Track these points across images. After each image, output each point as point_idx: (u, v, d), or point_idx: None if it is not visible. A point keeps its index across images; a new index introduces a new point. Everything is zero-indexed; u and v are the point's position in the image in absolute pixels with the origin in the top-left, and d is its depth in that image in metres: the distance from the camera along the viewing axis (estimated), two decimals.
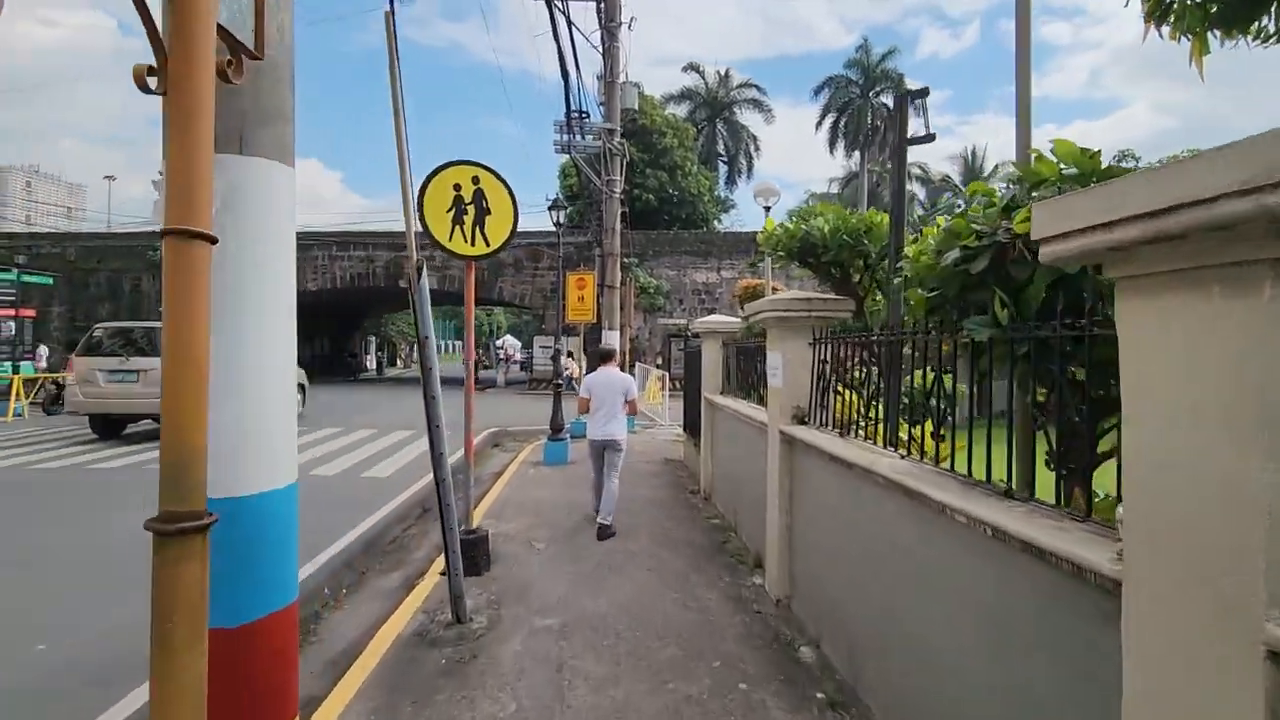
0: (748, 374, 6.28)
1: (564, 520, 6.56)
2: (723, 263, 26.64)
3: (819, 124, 42.08)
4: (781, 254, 4.94)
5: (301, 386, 16.22)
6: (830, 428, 3.87)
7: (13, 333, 17.23)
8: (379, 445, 11.41)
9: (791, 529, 4.24)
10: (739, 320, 7.35)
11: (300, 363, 22.80)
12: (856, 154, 42.91)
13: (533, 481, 8.57)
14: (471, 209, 5.21)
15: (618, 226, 13.86)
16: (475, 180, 5.20)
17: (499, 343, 52.97)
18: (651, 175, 31.82)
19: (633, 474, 8.92)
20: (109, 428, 11.43)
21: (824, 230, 4.00)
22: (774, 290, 8.69)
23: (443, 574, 5.02)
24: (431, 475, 4.12)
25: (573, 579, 4.96)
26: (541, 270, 27.08)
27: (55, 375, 15.77)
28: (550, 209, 9.90)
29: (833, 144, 41.68)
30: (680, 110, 39.34)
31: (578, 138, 13.49)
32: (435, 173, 5.08)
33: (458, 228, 5.18)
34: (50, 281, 25.50)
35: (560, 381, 18.33)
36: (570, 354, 38.98)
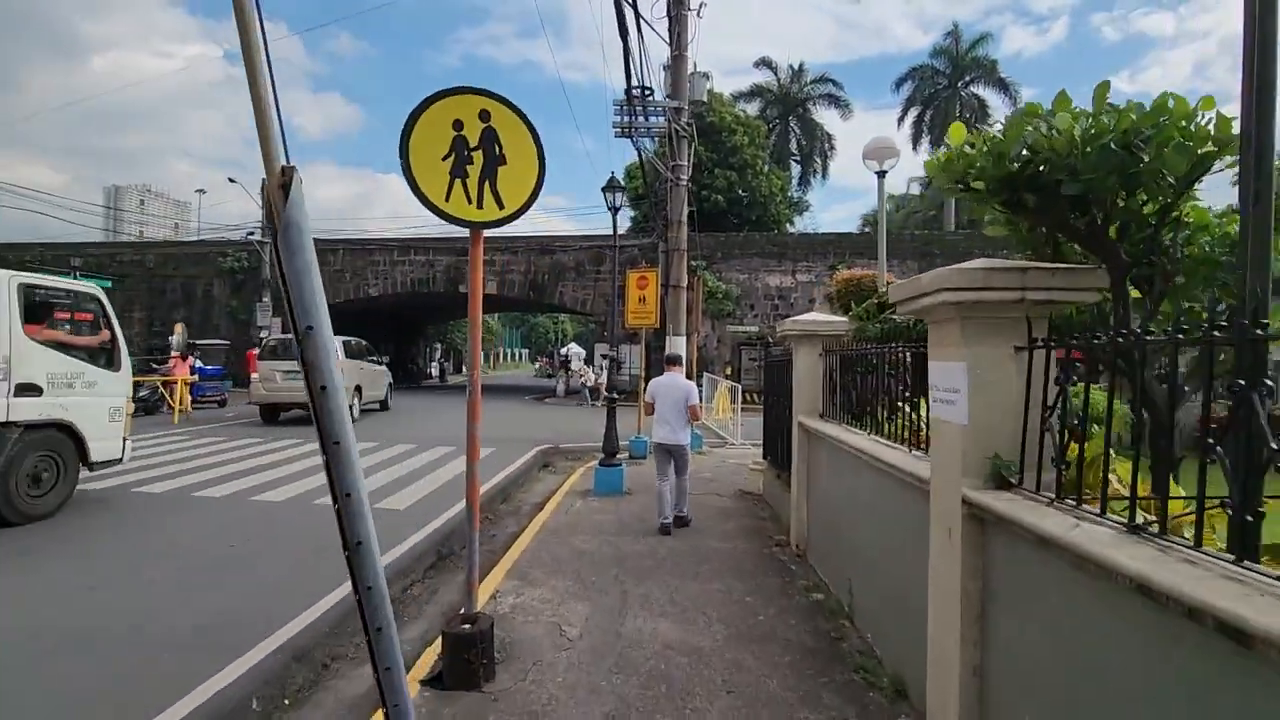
0: (870, 392, 4.48)
1: (611, 585, 4.91)
2: (798, 265, 24.58)
3: (900, 119, 39.28)
4: (969, 186, 2.58)
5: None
6: (1072, 502, 2.08)
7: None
8: (410, 465, 10.09)
9: (990, 684, 2.44)
10: (843, 320, 5.53)
11: None
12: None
13: (578, 520, 6.96)
14: (478, 157, 3.66)
15: (685, 218, 12.21)
16: (484, 116, 3.65)
17: (564, 350, 52.35)
18: (720, 175, 30.01)
19: (699, 512, 7.20)
20: (273, 414, 15.20)
21: (1071, 133, 2.01)
22: (889, 282, 6.80)
23: (424, 683, 3.46)
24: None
25: (616, 702, 3.29)
26: (604, 274, 25.73)
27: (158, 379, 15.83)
28: (605, 190, 8.36)
29: (916, 140, 38.76)
30: (751, 108, 37.44)
31: (640, 119, 11.96)
32: (424, 105, 3.55)
33: (458, 182, 3.63)
34: (108, 284, 25.94)
35: (581, 389, 16.64)
36: (590, 360, 37.70)
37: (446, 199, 3.61)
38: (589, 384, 28.15)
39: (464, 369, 55.48)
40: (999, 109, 40.62)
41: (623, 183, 33.85)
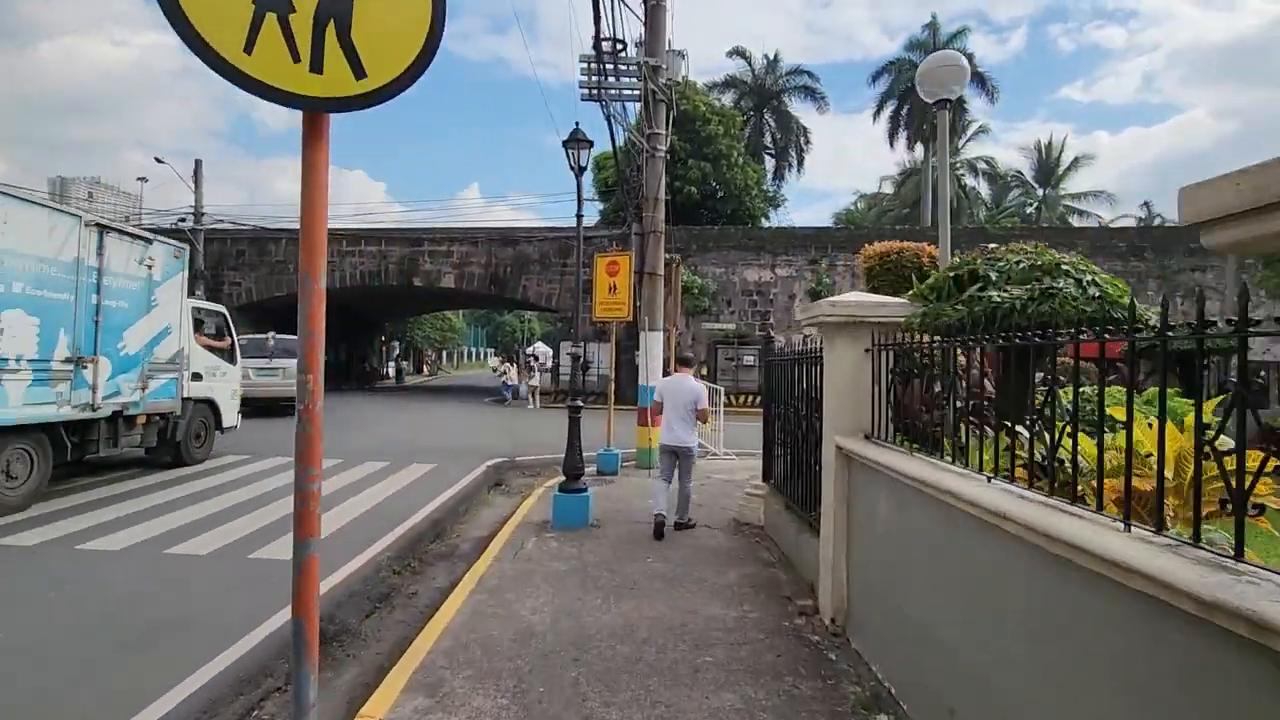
0: (975, 404, 2.88)
1: (568, 706, 3.20)
2: (778, 260, 23.15)
3: (876, 114, 38.33)
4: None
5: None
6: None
7: None
8: (329, 488, 8.22)
9: None
10: (901, 303, 3.94)
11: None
12: (919, 148, 38.92)
13: (528, 570, 5.25)
14: None
15: (662, 195, 10.56)
16: None
17: (529, 350, 50.19)
18: (694, 166, 28.45)
19: (684, 551, 5.57)
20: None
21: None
22: (930, 256, 5.22)
23: None
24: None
25: None
26: (571, 267, 23.94)
27: None
28: (568, 145, 6.64)
29: (893, 135, 37.89)
30: (725, 100, 36.02)
31: (611, 80, 10.27)
32: None
33: (273, 20, 1.90)
34: None
35: (505, 393, 15.35)
36: (511, 359, 35.67)
37: (248, 49, 1.88)
38: (510, 383, 26.32)
39: (425, 369, 53.01)
40: (977, 105, 40.13)
41: (591, 174, 32.03)
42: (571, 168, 6.58)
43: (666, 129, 10.49)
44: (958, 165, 44.52)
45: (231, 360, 11.01)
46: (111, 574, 5.02)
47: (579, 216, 6.58)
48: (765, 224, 32.35)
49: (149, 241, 8.82)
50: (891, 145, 38.00)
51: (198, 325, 10.15)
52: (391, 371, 37.79)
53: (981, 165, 43.14)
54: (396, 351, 44.95)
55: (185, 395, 9.31)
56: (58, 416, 7.30)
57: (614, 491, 8.38)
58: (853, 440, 3.84)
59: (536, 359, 25.51)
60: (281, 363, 16.58)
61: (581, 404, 6.84)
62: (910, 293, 4.02)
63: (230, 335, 11.11)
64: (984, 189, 46.50)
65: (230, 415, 10.68)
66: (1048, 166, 43.47)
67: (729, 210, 29.85)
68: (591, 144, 7.02)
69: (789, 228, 26.42)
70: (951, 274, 3.68)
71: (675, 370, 6.48)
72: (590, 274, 10.34)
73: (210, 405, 10.14)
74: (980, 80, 35.70)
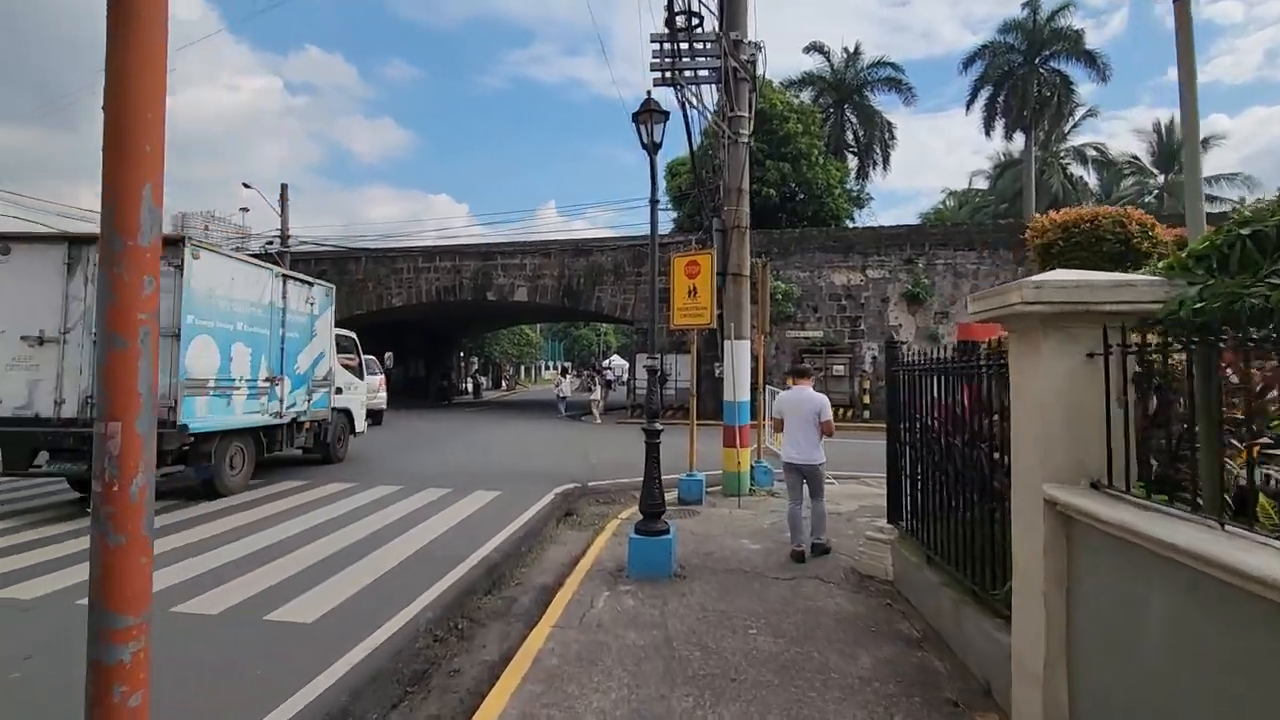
0: None
1: None
2: (869, 261, 21.33)
3: (969, 103, 35.46)
4: None
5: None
6: None
7: None
8: (379, 521, 7.41)
9: None
10: (1154, 281, 2.57)
11: (393, 388, 19.80)
12: (1019, 137, 35.85)
13: (598, 642, 4.13)
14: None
15: (745, 185, 9.34)
16: None
17: (606, 363, 49.55)
18: (771, 167, 26.93)
19: (796, 617, 4.31)
20: None
21: None
22: (1139, 224, 3.76)
23: None
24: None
25: None
26: (646, 276, 22.97)
27: None
28: (638, 120, 5.47)
29: (989, 124, 34.92)
30: (803, 98, 34.32)
31: (686, 60, 9.16)
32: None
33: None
34: None
35: (559, 405, 14.47)
36: (566, 369, 34.53)
37: None
38: (564, 395, 25.62)
39: (503, 384, 53.41)
40: (1086, 86, 36.70)
41: (663, 181, 31.10)
42: (644, 145, 5.50)
43: (750, 111, 9.29)
44: (1063, 153, 40.93)
45: (360, 376, 13.25)
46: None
47: (653, 203, 5.48)
48: (850, 225, 30.42)
49: (311, 284, 11.01)
50: (988, 134, 35.07)
51: (337, 347, 12.10)
52: (470, 387, 37.94)
53: (1091, 152, 39.34)
54: (474, 367, 45.41)
55: (332, 406, 11.51)
56: (261, 422, 9.48)
57: (699, 526, 7.18)
58: (1075, 493, 2.51)
59: (610, 371, 24.72)
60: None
61: (660, 426, 5.69)
62: (1161, 265, 2.65)
63: (359, 355, 13.57)
64: (1091, 179, 42.55)
65: (360, 422, 12.81)
66: (1169, 150, 39.12)
67: (810, 212, 28.17)
68: (667, 115, 5.91)
69: (879, 226, 24.47)
70: (1242, 231, 2.30)
71: (793, 383, 6.15)
72: (667, 277, 9.22)
73: (347, 414, 12.33)
74: (1090, 59, 32.49)
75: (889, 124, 36.66)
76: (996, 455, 3.56)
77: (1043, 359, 2.67)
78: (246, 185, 25.49)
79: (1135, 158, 40.22)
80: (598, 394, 22.57)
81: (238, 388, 8.78)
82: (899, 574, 5.10)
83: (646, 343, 23.46)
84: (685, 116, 10.37)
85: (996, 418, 3.41)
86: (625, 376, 34.01)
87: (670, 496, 8.80)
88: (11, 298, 7.76)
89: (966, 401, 4.12)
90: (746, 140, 9.29)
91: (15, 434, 7.55)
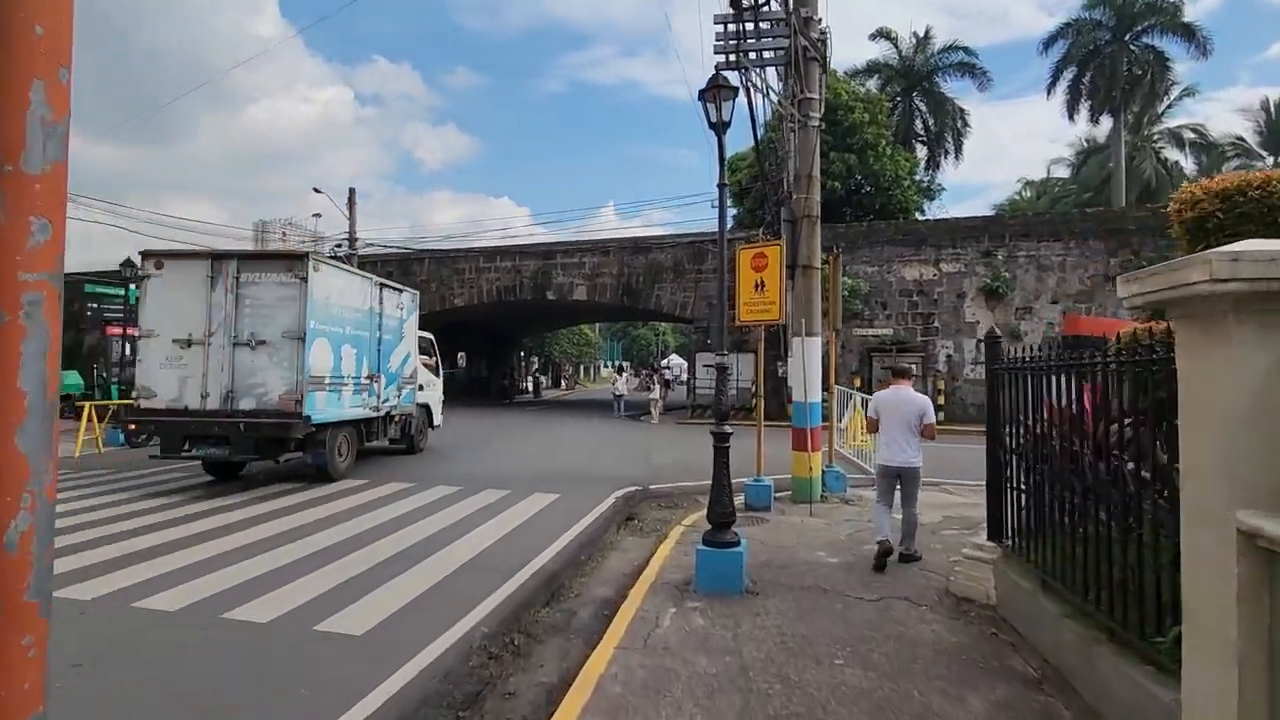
0: None
1: None
2: (942, 254, 20.20)
3: (1051, 86, 33.36)
4: None
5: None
6: None
7: (121, 353, 15.96)
8: (436, 524, 7.22)
9: None
10: None
11: (455, 388, 20.64)
12: (1106, 120, 33.53)
13: (665, 668, 3.74)
14: None
15: (816, 172, 8.76)
16: None
17: (665, 363, 49.13)
18: (836, 159, 25.94)
19: (889, 645, 3.79)
20: None
21: None
22: None
23: None
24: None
25: None
26: (706, 273, 22.51)
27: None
28: (704, 97, 4.97)
29: (1072, 108, 32.79)
30: (869, 86, 33.02)
31: (752, 41, 8.64)
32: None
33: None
34: None
35: (616, 405, 14.35)
36: (621, 368, 33.82)
37: None
38: (620, 393, 25.22)
39: (563, 383, 53.75)
40: (1185, 64, 33.97)
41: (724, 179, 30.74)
42: (710, 124, 5.05)
43: (820, 92, 8.71)
44: (1156, 136, 38.08)
45: (437, 374, 14.42)
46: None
47: (721, 186, 5.02)
48: (920, 218, 29.03)
49: (401, 291, 12.25)
50: (1071, 118, 32.98)
51: (418, 349, 13.00)
52: (529, 386, 38.24)
53: (1189, 135, 36.41)
54: (535, 367, 45.83)
55: (418, 402, 12.64)
56: (363, 414, 10.57)
57: (769, 536, 6.69)
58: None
59: (669, 371, 24.33)
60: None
61: (730, 429, 5.25)
62: None
63: (436, 355, 14.47)
64: (1188, 164, 39.39)
65: (438, 416, 14.00)
66: (1278, 129, 35.84)
67: (877, 205, 27.01)
68: (736, 91, 5.42)
69: (953, 218, 23.17)
70: None
71: (892, 382, 5.95)
72: (732, 272, 8.72)
73: (427, 409, 13.41)
74: (1188, 33, 30.00)
75: (961, 111, 34.91)
76: (1138, 468, 2.99)
77: (1234, 352, 2.12)
78: (317, 190, 26.40)
79: (1240, 139, 37.02)
80: (656, 393, 22.19)
81: (346, 384, 9.91)
82: (1004, 599, 4.50)
83: (707, 341, 22.95)
84: (750, 103, 9.88)
85: (1140, 424, 2.83)
86: (684, 376, 33.53)
87: (736, 502, 8.39)
88: (164, 307, 8.95)
89: (1089, 405, 3.54)
90: (817, 123, 8.72)
91: (171, 423, 8.82)
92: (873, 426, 6.13)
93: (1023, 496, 4.40)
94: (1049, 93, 33.59)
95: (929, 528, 7.00)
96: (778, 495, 8.46)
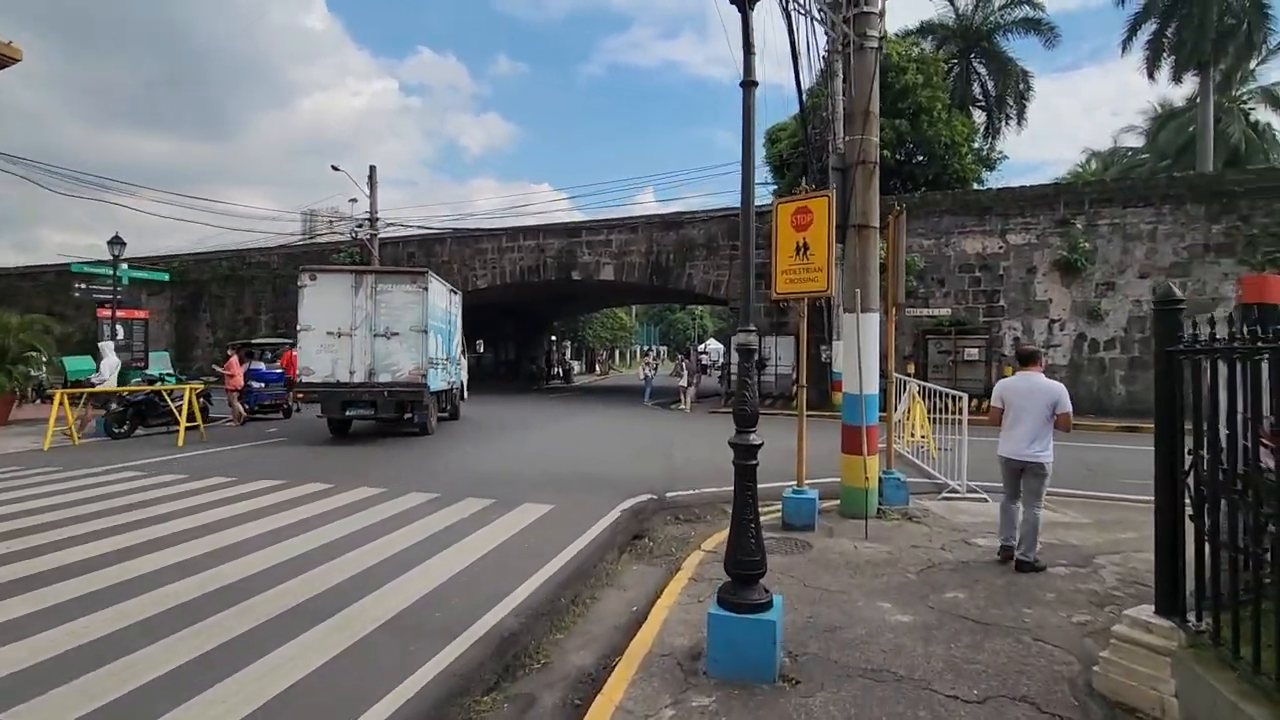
0: None
1: None
2: (1009, 224, 17.98)
3: (1126, 42, 30.14)
4: None
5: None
6: None
7: (116, 336, 15.03)
8: (384, 549, 5.78)
9: None
10: None
11: (483, 373, 19.92)
12: (1184, 85, 30.26)
13: None
14: None
15: (875, 107, 6.99)
16: None
17: (702, 348, 47.22)
18: (887, 125, 23.58)
19: None
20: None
21: None
22: None
23: None
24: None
25: None
26: (741, 249, 20.66)
27: (123, 390, 12.73)
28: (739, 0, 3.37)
29: (1152, 66, 29.56)
30: (923, 49, 30.38)
31: None
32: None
33: None
34: (165, 277, 24.70)
35: (645, 391, 19.09)
36: (647, 352, 31.88)
37: None
38: (648, 376, 23.79)
39: (597, 368, 52.41)
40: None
41: (762, 148, 28.53)
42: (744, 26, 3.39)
43: (880, 5, 6.91)
44: (1245, 96, 34.41)
45: (464, 354, 17.12)
46: None
47: (748, 84, 3.37)
48: (979, 189, 26.51)
49: (456, 293, 15.71)
50: (1151, 77, 29.69)
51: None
52: (559, 371, 36.97)
53: None
54: (567, 351, 44.58)
55: (455, 379, 15.14)
56: (445, 387, 14.04)
57: (814, 573, 5.07)
58: None
59: (706, 356, 22.64)
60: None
61: (757, 440, 3.64)
62: None
63: (463, 338, 16.80)
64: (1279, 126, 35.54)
65: (466, 390, 17.22)
66: None
67: (930, 175, 24.66)
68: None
69: (1020, 186, 20.78)
70: None
71: (1022, 369, 5.53)
72: (771, 235, 7.01)
73: (462, 384, 16.43)
74: None
75: (1025, 73, 31.93)
76: None
77: None
78: (335, 168, 25.31)
79: None
80: (685, 380, 20.59)
81: (439, 365, 13.18)
82: (1195, 713, 2.82)
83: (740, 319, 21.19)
84: (791, 36, 8.11)
85: None
86: (721, 361, 31.74)
87: (772, 519, 6.73)
88: (318, 307, 11.81)
89: None
90: (877, 45, 6.93)
91: (328, 391, 11.91)
92: (996, 418, 5.52)
93: (1235, 551, 2.71)
94: (1124, 49, 30.39)
95: (981, 531, 5.30)
96: (824, 506, 6.84)
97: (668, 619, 4.20)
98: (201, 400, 13.14)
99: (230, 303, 30.38)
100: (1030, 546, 5.14)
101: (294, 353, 16.92)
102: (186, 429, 11.84)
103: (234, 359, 14.77)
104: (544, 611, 4.45)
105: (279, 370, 16.15)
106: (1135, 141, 43.30)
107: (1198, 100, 30.20)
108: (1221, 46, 28.02)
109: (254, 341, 18.96)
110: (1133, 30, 29.87)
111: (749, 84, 3.55)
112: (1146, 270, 16.56)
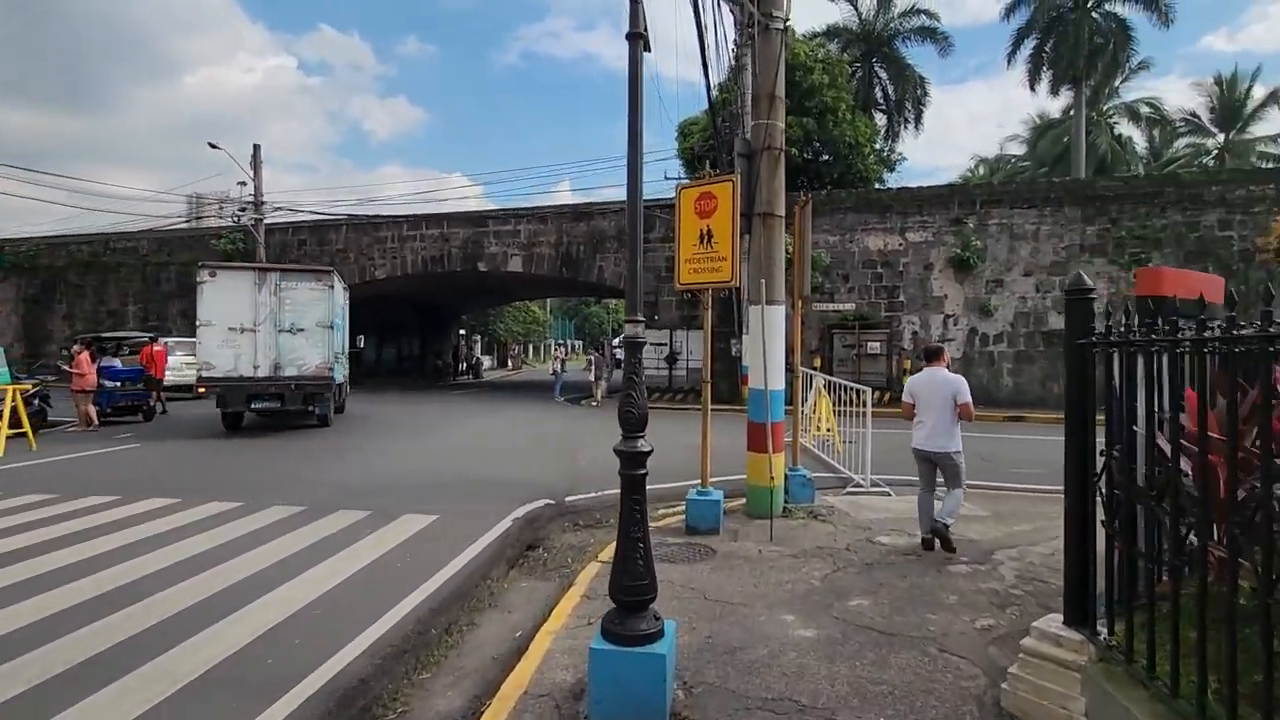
0: None
1: None
2: (908, 223, 18.56)
3: (1011, 55, 32.18)
4: None
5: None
6: None
7: None
8: (229, 575, 4.98)
9: None
10: None
11: (383, 368, 31.31)
12: (1060, 98, 32.66)
13: None
14: None
15: (780, 91, 6.75)
16: None
17: (616, 342, 46.86)
18: (794, 124, 23.98)
19: None
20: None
21: None
22: None
23: None
24: None
25: None
26: (653, 243, 20.39)
27: (25, 386, 11.16)
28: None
29: (1034, 77, 31.61)
30: (829, 50, 31.15)
31: None
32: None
33: None
34: None
35: (555, 387, 14.67)
36: (560, 345, 31.63)
37: None
38: (557, 372, 23.18)
39: (509, 363, 51.04)
40: (1146, 32, 33.07)
41: (675, 142, 27.91)
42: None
43: None
44: (1110, 111, 37.48)
45: (345, 351, 16.05)
46: None
47: (633, 37, 2.91)
48: (880, 188, 27.43)
49: (348, 289, 16.39)
50: (1033, 89, 31.75)
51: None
52: (465, 367, 35.61)
53: (1145, 109, 35.85)
54: (477, 346, 43.08)
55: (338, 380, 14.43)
56: (341, 380, 14.43)
57: (715, 582, 4.71)
58: None
59: (620, 351, 22.20)
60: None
61: (646, 447, 3.21)
62: None
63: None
64: (1140, 140, 39.03)
65: (347, 387, 16.41)
66: (1230, 106, 35.57)
67: (835, 174, 25.29)
68: None
69: (919, 186, 21.53)
70: None
71: (927, 364, 5.72)
72: (673, 222, 6.64)
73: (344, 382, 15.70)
74: (1150, 1, 28.97)
75: (922, 79, 33.40)
76: None
77: None
78: (213, 145, 23.02)
79: (1193, 114, 36.67)
80: (595, 373, 20.18)
81: (340, 359, 13.73)
82: None
83: (654, 317, 20.92)
84: (697, 15, 7.77)
85: None
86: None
87: (675, 521, 6.38)
88: (219, 303, 11.94)
89: None
90: (782, 27, 6.66)
91: (231, 385, 12.02)
92: (909, 412, 5.71)
93: (1149, 557, 2.50)
94: (1009, 61, 32.40)
95: (932, 562, 5.16)
96: (730, 506, 6.55)
97: (551, 649, 3.71)
98: (36, 402, 11.44)
99: (91, 292, 27.29)
100: (950, 513, 5.37)
101: (156, 348, 15.20)
102: (9, 437, 10.18)
103: (83, 356, 12.94)
104: (408, 647, 3.85)
105: (138, 367, 14.40)
106: (1018, 149, 46.38)
107: (1072, 112, 32.51)
108: (1092, 63, 30.29)
109: (105, 335, 16.93)
110: (1017, 44, 31.84)
111: (635, 36, 3.08)
112: (1030, 268, 17.51)
